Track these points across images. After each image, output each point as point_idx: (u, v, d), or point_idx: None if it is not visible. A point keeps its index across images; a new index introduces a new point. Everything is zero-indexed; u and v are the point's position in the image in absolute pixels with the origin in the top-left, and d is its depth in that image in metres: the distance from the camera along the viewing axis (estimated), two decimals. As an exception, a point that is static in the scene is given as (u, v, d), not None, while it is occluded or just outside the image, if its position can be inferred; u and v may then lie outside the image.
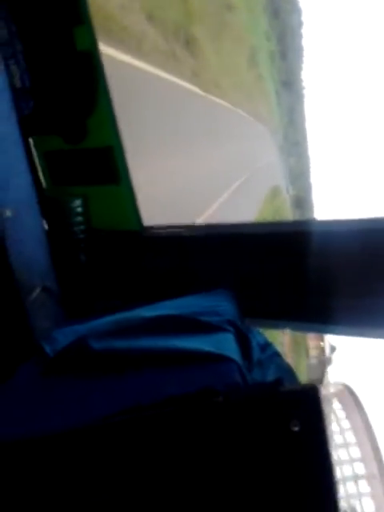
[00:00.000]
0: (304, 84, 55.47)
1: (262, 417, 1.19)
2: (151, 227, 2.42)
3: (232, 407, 1.20)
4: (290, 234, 2.12)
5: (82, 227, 2.38)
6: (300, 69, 52.32)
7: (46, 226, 2.31)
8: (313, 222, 2.46)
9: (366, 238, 1.90)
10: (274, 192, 33.95)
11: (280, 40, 43.78)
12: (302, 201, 52.68)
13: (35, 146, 2.37)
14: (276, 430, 1.18)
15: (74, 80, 2.19)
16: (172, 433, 1.18)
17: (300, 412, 1.19)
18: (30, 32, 2.18)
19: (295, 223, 2.32)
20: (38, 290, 2.15)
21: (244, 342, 1.81)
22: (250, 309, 2.08)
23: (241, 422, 1.18)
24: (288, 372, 1.89)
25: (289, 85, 47.83)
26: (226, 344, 1.70)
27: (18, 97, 2.18)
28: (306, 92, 57.80)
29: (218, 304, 1.96)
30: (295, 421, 1.17)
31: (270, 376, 1.75)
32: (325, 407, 1.28)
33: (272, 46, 41.04)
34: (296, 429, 1.17)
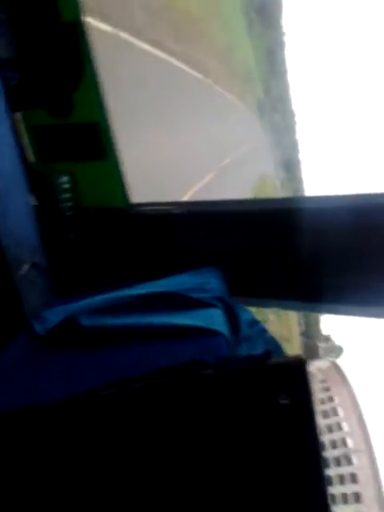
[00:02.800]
0: (284, 30, 49.59)
1: (250, 389, 1.20)
2: (138, 204, 2.41)
3: (221, 380, 1.21)
4: (280, 212, 2.10)
5: (69, 204, 2.36)
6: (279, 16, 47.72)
7: (34, 202, 2.28)
8: (303, 198, 2.43)
9: (357, 215, 1.88)
10: (261, 182, 32.06)
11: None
12: (289, 160, 50.69)
13: (23, 120, 2.34)
14: (264, 402, 1.19)
15: (59, 52, 2.15)
16: (160, 405, 1.19)
17: (288, 385, 1.21)
18: (14, 2, 2.12)
19: (285, 200, 2.31)
20: (27, 266, 2.14)
21: (232, 317, 1.82)
22: (238, 287, 2.08)
23: (229, 395, 1.19)
24: (276, 346, 1.90)
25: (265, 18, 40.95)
26: (214, 319, 1.71)
27: (5, 67, 2.13)
28: (286, 39, 52.71)
29: (207, 281, 1.97)
30: (283, 394, 1.19)
31: (258, 350, 1.76)
32: (312, 382, 1.29)
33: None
34: (284, 401, 1.18)
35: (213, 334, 1.60)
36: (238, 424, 1.18)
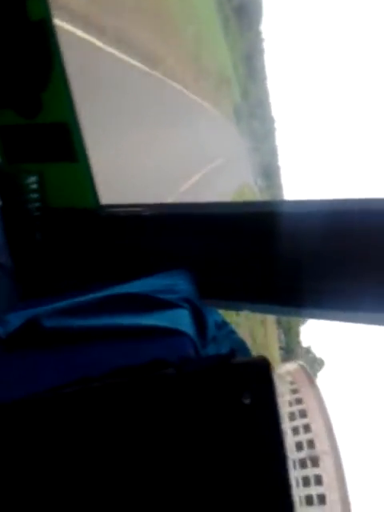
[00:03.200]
0: (263, 36, 48.25)
1: (213, 389, 1.20)
2: (109, 206, 2.40)
3: (183, 379, 1.21)
4: (255, 215, 2.10)
5: (37, 204, 2.33)
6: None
7: (0, 203, 2.25)
8: (277, 202, 2.43)
9: (333, 220, 1.89)
10: (240, 191, 31.76)
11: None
12: (268, 167, 49.58)
13: None
14: (227, 402, 1.19)
15: (27, 51, 2.12)
16: (121, 404, 1.18)
17: (251, 384, 1.22)
18: None
19: (259, 203, 2.31)
20: None
21: (199, 318, 1.83)
22: (209, 289, 2.09)
23: (191, 394, 1.20)
24: (242, 346, 1.93)
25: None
26: (180, 320, 1.72)
27: None
28: (265, 45, 51.02)
29: (175, 283, 1.98)
30: (246, 393, 1.19)
31: (225, 350, 1.78)
32: (278, 383, 1.31)
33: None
34: (247, 401, 1.19)
35: (177, 334, 1.62)
36: (199, 423, 1.18)
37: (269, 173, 50.25)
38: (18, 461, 1.14)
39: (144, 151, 10.49)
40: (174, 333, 1.62)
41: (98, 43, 9.36)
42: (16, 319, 1.72)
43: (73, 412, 1.17)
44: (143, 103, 11.23)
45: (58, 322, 1.66)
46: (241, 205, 2.38)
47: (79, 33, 8.28)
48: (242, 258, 2.11)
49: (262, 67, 49.99)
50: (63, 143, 2.25)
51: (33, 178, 2.31)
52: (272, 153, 52.59)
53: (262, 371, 1.23)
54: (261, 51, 48.50)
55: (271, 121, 53.38)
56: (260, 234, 2.04)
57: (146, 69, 12.57)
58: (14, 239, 2.27)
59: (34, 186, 2.32)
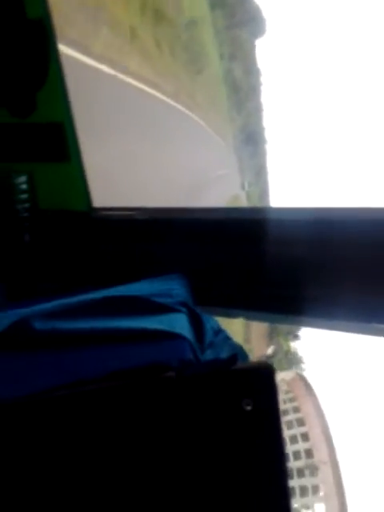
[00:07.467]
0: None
1: (214, 394, 1.16)
2: (101, 208, 2.34)
3: (184, 383, 1.17)
4: (248, 221, 2.08)
5: (26, 205, 2.27)
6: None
7: None
8: (271, 209, 2.44)
9: (326, 228, 1.88)
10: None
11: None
12: (253, 133, 48.44)
13: None
14: (227, 408, 1.16)
15: (24, 50, 2.08)
16: (118, 408, 1.13)
17: (253, 391, 1.18)
18: None
19: (253, 210, 2.30)
20: None
21: (197, 323, 1.77)
22: (203, 296, 2.05)
23: (192, 398, 1.15)
24: (241, 352, 1.87)
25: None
26: (178, 323, 1.66)
27: None
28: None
29: (171, 287, 1.92)
30: (248, 399, 1.16)
31: (224, 356, 1.74)
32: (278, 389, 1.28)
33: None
34: (248, 407, 1.15)
35: (176, 337, 1.56)
36: (199, 428, 1.14)
37: (253, 137, 48.37)
38: (6, 467, 1.07)
39: (133, 162, 10.48)
40: (172, 336, 1.55)
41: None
42: (4, 319, 1.65)
43: (67, 415, 1.12)
44: (132, 114, 11.26)
45: (50, 324, 1.58)
46: (234, 210, 2.38)
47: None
48: (234, 264, 2.07)
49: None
50: (57, 143, 2.20)
51: (22, 178, 2.24)
52: (256, 112, 50.76)
53: (264, 378, 1.20)
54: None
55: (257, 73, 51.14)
56: (252, 240, 2.00)
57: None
58: (1, 240, 2.20)
59: (24, 187, 2.25)
